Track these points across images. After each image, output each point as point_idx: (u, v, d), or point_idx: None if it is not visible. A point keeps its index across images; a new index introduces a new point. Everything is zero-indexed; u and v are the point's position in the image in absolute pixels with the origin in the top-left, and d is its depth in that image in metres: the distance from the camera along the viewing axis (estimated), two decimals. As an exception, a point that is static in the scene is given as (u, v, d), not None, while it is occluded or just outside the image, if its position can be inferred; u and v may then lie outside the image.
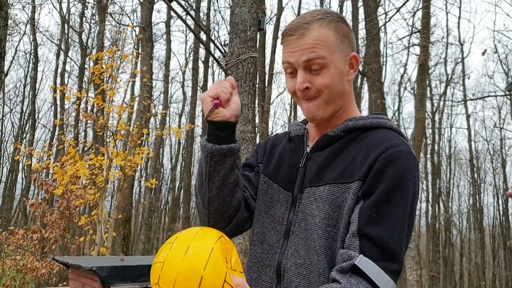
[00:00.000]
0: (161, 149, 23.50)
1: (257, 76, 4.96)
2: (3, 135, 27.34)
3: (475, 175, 26.17)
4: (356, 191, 1.21)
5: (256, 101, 4.97)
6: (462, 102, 23.27)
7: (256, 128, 7.06)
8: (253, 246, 1.39)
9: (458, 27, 28.58)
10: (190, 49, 25.21)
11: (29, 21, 24.77)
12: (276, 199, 1.38)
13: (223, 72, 4.93)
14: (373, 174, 1.19)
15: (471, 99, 23.63)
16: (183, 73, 26.63)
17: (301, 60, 1.27)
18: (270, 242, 1.34)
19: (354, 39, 1.38)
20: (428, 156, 25.20)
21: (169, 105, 24.52)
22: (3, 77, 6.48)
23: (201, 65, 21.39)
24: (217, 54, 17.22)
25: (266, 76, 15.33)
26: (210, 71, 24.06)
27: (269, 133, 16.81)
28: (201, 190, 1.35)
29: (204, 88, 21.33)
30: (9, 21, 6.71)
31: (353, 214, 1.19)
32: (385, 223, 1.15)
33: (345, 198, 1.21)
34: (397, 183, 1.17)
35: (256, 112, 5.01)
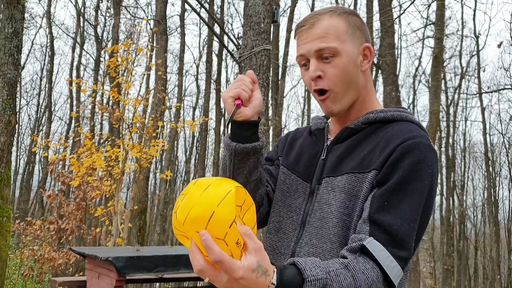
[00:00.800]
0: (175, 142, 23.61)
1: (271, 68, 4.98)
2: (20, 127, 27.71)
3: (490, 169, 25.87)
4: (371, 180, 1.22)
5: (270, 94, 4.99)
6: (477, 95, 23.00)
7: (270, 121, 7.08)
8: (269, 234, 1.40)
9: (474, 19, 28.16)
10: (204, 42, 25.26)
11: (45, 15, 25.01)
12: (294, 189, 1.39)
13: (236, 65, 4.95)
14: (390, 163, 1.20)
15: (486, 92, 23.31)
16: (197, 66, 26.67)
17: (312, 50, 1.29)
18: (286, 231, 1.35)
19: (368, 32, 1.39)
20: (443, 149, 24.98)
21: (183, 98, 24.62)
22: (20, 70, 6.60)
23: (214, 58, 21.42)
24: (231, 47, 17.22)
25: (280, 69, 15.32)
26: (223, 64, 24.11)
27: (282, 126, 16.82)
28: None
29: (218, 81, 21.37)
30: (26, 15, 6.80)
31: (366, 201, 1.20)
32: (396, 211, 1.15)
33: (361, 187, 1.22)
34: (413, 173, 1.17)
35: (269, 105, 5.03)
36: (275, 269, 1.02)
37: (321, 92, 1.32)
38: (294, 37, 1.37)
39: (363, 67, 1.34)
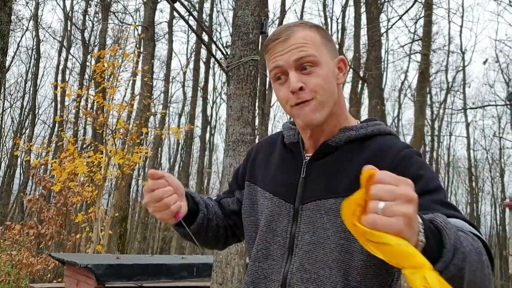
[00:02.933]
0: (159, 149, 23.51)
1: (258, 78, 4.98)
2: (3, 130, 27.35)
3: (473, 184, 26.20)
4: None
5: (257, 104, 4.98)
6: (462, 110, 23.32)
7: (256, 131, 7.08)
8: (258, 262, 1.34)
9: (460, 35, 28.66)
10: (192, 50, 25.26)
11: (32, 17, 24.83)
12: (277, 212, 1.33)
13: (224, 73, 4.95)
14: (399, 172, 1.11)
15: (471, 108, 23.67)
16: (184, 73, 26.63)
17: (291, 60, 1.22)
18: (275, 257, 1.30)
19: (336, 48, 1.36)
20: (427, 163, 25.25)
21: (169, 105, 24.53)
22: (4, 72, 6.50)
23: (202, 66, 21.42)
24: (219, 55, 17.25)
25: (267, 79, 15.34)
26: (211, 72, 24.13)
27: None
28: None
29: (205, 88, 21.35)
30: (12, 17, 6.74)
31: None
32: (431, 204, 1.09)
33: None
34: (429, 176, 1.16)
35: (256, 114, 5.02)
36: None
37: (302, 102, 1.24)
38: (265, 52, 1.29)
39: (338, 80, 1.29)
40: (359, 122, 1.35)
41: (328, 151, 1.29)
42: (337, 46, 1.40)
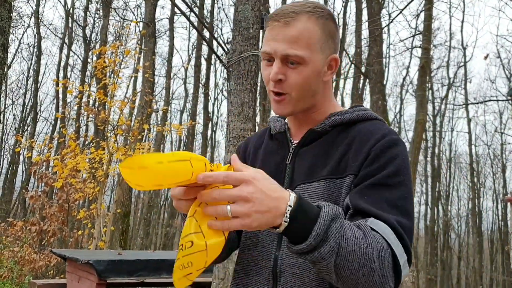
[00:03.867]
0: (161, 145, 23.52)
1: (259, 74, 4.98)
2: (5, 127, 27.41)
3: (475, 179, 26.16)
4: (349, 185, 1.21)
5: (258, 100, 4.98)
6: (464, 106, 23.28)
7: (257, 127, 7.08)
8: (247, 250, 1.36)
9: (461, 31, 28.59)
10: (193, 46, 25.25)
11: (33, 14, 24.83)
12: None
13: (225, 70, 4.95)
14: (366, 164, 1.20)
15: (472, 103, 23.61)
16: (185, 69, 26.62)
17: (279, 52, 1.24)
18: (264, 243, 1.31)
19: (339, 39, 1.37)
20: (429, 159, 25.22)
21: (170, 101, 24.54)
22: (5, 69, 6.52)
23: (203, 62, 21.40)
24: (220, 51, 17.25)
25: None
26: (212, 68, 24.11)
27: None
28: None
29: (206, 85, 21.33)
30: (13, 14, 6.74)
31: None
32: (375, 199, 1.15)
33: (340, 192, 1.21)
34: (389, 170, 1.18)
35: (257, 111, 5.02)
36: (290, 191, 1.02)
37: (277, 93, 1.29)
38: (265, 27, 1.31)
39: (326, 77, 1.32)
40: (346, 109, 1.38)
41: (315, 137, 1.33)
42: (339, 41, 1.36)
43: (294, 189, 1.29)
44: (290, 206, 0.98)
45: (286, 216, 0.98)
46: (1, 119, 6.46)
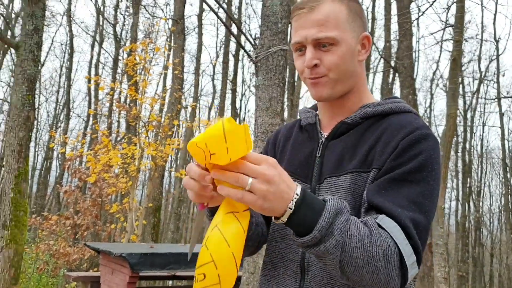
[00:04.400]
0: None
1: (287, 69, 4.98)
2: (39, 123, 28.06)
3: (508, 175, 25.53)
4: (372, 179, 1.19)
5: (286, 95, 4.99)
6: (496, 100, 22.73)
7: (285, 122, 7.08)
8: (275, 242, 1.34)
9: (494, 23, 27.66)
10: (221, 43, 25.32)
11: (65, 13, 25.32)
12: None
13: (252, 66, 4.96)
14: (392, 158, 1.17)
15: (505, 97, 23.01)
16: (214, 66, 26.73)
17: (309, 38, 1.23)
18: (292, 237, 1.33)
19: (366, 19, 1.35)
20: (459, 154, 24.74)
21: (199, 97, 24.71)
22: (39, 67, 6.69)
23: (231, 59, 21.48)
24: (248, 47, 17.27)
25: (296, 70, 15.31)
26: (240, 64, 24.14)
27: (298, 127, 16.77)
28: None
29: (234, 81, 21.40)
30: (46, 13, 6.90)
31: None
32: (394, 197, 1.11)
33: (366, 187, 1.19)
34: (413, 164, 1.15)
35: (285, 106, 5.03)
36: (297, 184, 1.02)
37: (314, 78, 1.27)
38: (291, 18, 1.30)
39: (360, 57, 1.29)
40: (379, 100, 1.35)
41: (345, 129, 1.30)
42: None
43: (322, 183, 1.27)
44: (297, 195, 0.98)
45: (292, 204, 0.98)
46: (36, 116, 6.62)
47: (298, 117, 1.49)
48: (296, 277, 1.26)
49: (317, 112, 1.43)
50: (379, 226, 1.07)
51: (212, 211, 1.18)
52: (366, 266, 1.01)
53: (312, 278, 1.22)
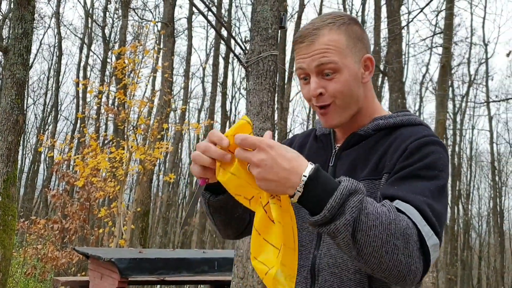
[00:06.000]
0: (180, 144, 23.66)
1: (277, 73, 4.99)
2: (26, 126, 27.84)
3: (496, 178, 25.74)
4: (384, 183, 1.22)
5: (276, 98, 4.99)
6: (485, 103, 22.92)
7: (275, 125, 7.08)
8: None
9: (483, 27, 28.09)
10: (211, 45, 25.31)
11: (54, 15, 25.15)
12: None
13: (243, 68, 4.96)
14: (401, 160, 1.20)
15: (494, 101, 23.20)
16: (203, 69, 26.71)
17: (312, 65, 1.26)
18: (303, 242, 1.32)
19: (368, 40, 1.37)
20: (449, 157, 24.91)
21: (189, 100, 24.67)
22: (28, 69, 6.63)
23: (221, 61, 21.45)
24: (238, 50, 17.27)
25: (286, 74, 15.32)
26: (230, 67, 24.12)
27: (288, 130, 16.82)
28: (209, 218, 1.38)
29: (224, 84, 21.38)
30: (35, 15, 6.84)
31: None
32: (407, 188, 1.13)
33: (378, 195, 1.21)
34: (423, 163, 1.17)
35: (275, 109, 5.03)
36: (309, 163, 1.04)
37: (322, 107, 1.30)
38: (293, 50, 1.36)
39: (364, 79, 1.33)
40: (391, 113, 1.38)
41: (357, 140, 1.34)
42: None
43: None
44: (305, 177, 1.00)
45: (300, 187, 1.00)
46: (25, 119, 6.57)
47: (314, 127, 1.53)
48: (307, 283, 1.28)
49: None
50: (397, 209, 1.08)
51: (209, 188, 1.27)
52: (385, 245, 1.00)
53: (322, 283, 1.25)
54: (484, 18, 23.53)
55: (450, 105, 22.48)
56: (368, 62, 1.33)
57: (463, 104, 24.88)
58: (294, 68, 1.38)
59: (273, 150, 1.00)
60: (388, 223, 1.01)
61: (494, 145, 25.66)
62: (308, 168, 1.01)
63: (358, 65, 1.30)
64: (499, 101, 24.42)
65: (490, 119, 24.31)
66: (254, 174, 1.01)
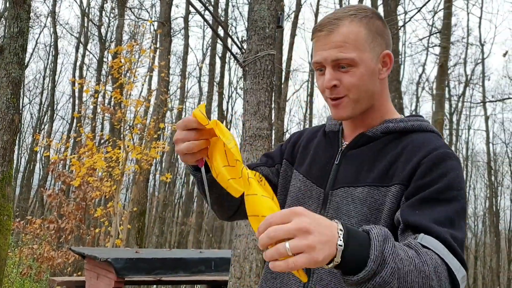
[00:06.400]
0: (176, 144, 23.56)
1: (274, 73, 4.98)
2: (22, 125, 27.73)
3: (492, 178, 25.81)
4: (396, 194, 1.19)
5: (273, 98, 4.98)
6: (481, 103, 22.98)
7: (272, 125, 7.08)
8: None
9: (479, 27, 27.93)
10: (208, 45, 25.28)
11: (50, 14, 25.09)
12: (308, 195, 1.36)
13: (240, 68, 4.95)
14: (418, 177, 1.17)
15: (490, 101, 23.31)
16: (200, 68, 26.69)
17: (329, 59, 1.25)
18: None
19: (390, 36, 1.35)
20: (445, 157, 24.93)
21: (185, 100, 24.65)
22: (23, 69, 6.60)
23: (218, 61, 21.45)
24: (235, 49, 17.25)
25: (283, 73, 15.33)
26: (227, 66, 24.11)
27: (284, 130, 16.82)
28: (204, 198, 1.38)
29: (221, 83, 21.37)
30: (31, 14, 6.81)
31: (395, 216, 1.17)
32: (429, 215, 1.11)
33: (384, 201, 1.20)
34: (443, 184, 1.15)
35: (272, 108, 5.03)
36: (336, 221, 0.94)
37: (334, 99, 1.29)
38: (311, 39, 1.32)
39: (381, 75, 1.31)
40: (402, 117, 1.36)
41: (365, 141, 1.32)
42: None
43: (336, 189, 1.29)
44: (341, 230, 0.91)
45: (340, 240, 0.89)
46: (20, 119, 6.55)
47: (325, 123, 1.52)
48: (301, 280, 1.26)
49: (341, 122, 1.45)
50: (422, 245, 1.04)
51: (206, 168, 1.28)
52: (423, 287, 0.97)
53: (317, 281, 1.23)
54: (480, 18, 23.52)
55: (446, 105, 22.52)
56: (387, 58, 1.31)
57: (460, 104, 24.94)
58: (311, 60, 1.33)
59: (308, 212, 0.90)
60: (421, 265, 0.98)
61: (490, 145, 25.74)
62: (338, 222, 0.92)
63: (376, 60, 1.28)
64: (495, 101, 24.53)
65: (486, 119, 24.37)
66: (307, 242, 0.86)
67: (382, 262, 0.92)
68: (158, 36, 14.34)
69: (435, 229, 1.08)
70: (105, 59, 21.45)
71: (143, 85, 19.23)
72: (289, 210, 0.89)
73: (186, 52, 21.03)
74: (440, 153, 1.19)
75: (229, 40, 16.02)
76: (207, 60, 23.99)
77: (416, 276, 0.96)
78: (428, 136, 1.27)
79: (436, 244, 1.05)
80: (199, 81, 27.02)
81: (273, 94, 5.14)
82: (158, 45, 13.48)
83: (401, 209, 1.16)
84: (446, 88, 20.57)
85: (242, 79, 4.93)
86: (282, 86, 15.03)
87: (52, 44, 25.71)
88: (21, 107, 27.32)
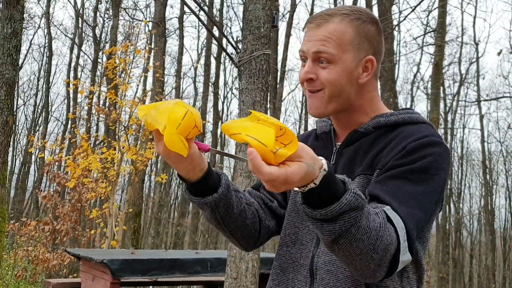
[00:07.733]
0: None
1: (270, 73, 4.97)
2: (17, 127, 27.62)
3: (487, 177, 25.90)
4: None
5: (268, 98, 4.98)
6: (476, 102, 23.06)
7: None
8: (286, 247, 1.36)
9: (474, 26, 28.03)
10: (203, 45, 25.25)
11: (44, 15, 25.00)
12: None
13: (235, 68, 4.94)
14: (396, 158, 1.20)
15: (485, 100, 23.39)
16: (195, 68, 26.66)
17: (311, 50, 1.27)
18: (304, 241, 1.32)
19: (381, 43, 1.35)
20: (440, 156, 24.99)
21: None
22: (17, 70, 6.57)
23: (213, 61, 21.43)
24: (230, 49, 17.23)
25: (278, 73, 15.33)
26: (222, 67, 24.10)
27: (280, 130, 16.80)
28: (219, 229, 1.32)
29: (216, 84, 21.36)
30: (25, 15, 6.79)
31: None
32: (393, 192, 1.14)
33: None
34: (418, 167, 1.17)
35: (267, 108, 5.02)
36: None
37: (311, 91, 1.30)
38: (303, 29, 1.35)
39: (360, 79, 1.30)
40: (393, 111, 1.38)
41: (358, 137, 1.33)
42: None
43: None
44: (325, 171, 0.95)
45: (324, 167, 0.95)
46: (14, 120, 6.53)
47: (315, 127, 1.53)
48: (307, 282, 1.28)
49: (331, 122, 1.45)
50: (388, 218, 1.08)
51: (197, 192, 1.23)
52: (363, 255, 1.02)
53: (320, 282, 1.24)
54: (475, 17, 23.63)
55: (441, 104, 22.58)
56: (369, 64, 1.31)
57: (454, 103, 25.01)
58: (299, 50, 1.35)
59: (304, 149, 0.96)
60: (375, 239, 1.01)
61: (485, 143, 25.83)
62: (324, 162, 0.97)
63: (357, 63, 1.29)
64: (490, 100, 24.63)
65: (481, 118, 24.47)
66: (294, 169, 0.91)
67: (333, 220, 0.97)
68: (153, 37, 14.33)
69: (396, 206, 1.10)
70: (99, 60, 21.40)
71: (138, 85, 19.18)
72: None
73: (181, 53, 21.01)
74: (425, 140, 1.20)
75: (224, 40, 16.02)
76: (202, 61, 23.96)
77: (364, 245, 1.00)
78: (419, 126, 1.28)
79: (400, 223, 1.08)
80: (194, 82, 27.01)
81: (269, 94, 5.13)
82: (152, 46, 13.47)
83: (370, 184, 1.20)
84: (441, 87, 20.64)
85: (238, 79, 4.93)
86: (278, 86, 15.03)
87: (46, 45, 25.64)
88: (15, 108, 27.22)
